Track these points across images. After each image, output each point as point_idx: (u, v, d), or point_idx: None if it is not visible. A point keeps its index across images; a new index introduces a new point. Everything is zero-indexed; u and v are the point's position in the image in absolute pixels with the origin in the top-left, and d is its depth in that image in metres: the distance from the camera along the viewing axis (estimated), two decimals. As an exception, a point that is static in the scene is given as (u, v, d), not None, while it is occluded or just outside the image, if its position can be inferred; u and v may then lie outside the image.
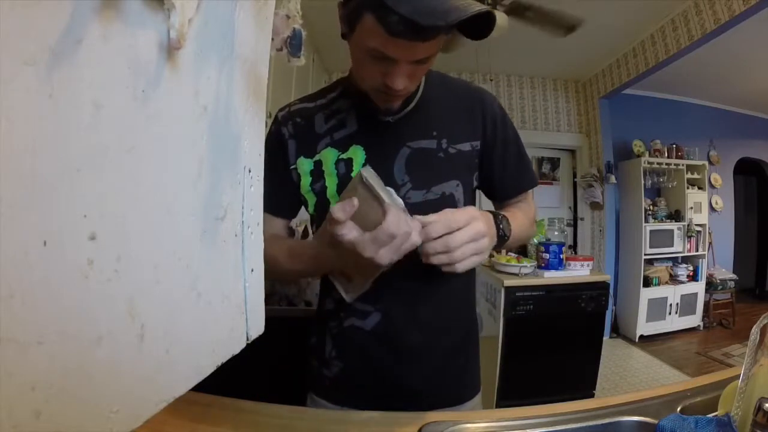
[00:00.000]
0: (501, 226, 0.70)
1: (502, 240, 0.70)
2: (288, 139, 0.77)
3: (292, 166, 0.76)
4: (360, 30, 0.60)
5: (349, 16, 0.61)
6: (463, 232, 0.59)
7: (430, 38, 0.57)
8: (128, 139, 0.28)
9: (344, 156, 0.74)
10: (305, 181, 0.76)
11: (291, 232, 0.92)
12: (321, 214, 0.75)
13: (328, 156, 0.74)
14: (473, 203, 0.81)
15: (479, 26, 0.57)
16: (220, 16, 0.38)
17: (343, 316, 0.77)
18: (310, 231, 0.82)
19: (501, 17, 2.45)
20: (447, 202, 0.74)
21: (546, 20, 2.36)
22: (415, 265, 0.72)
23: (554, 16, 2.31)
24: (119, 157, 0.28)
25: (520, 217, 0.80)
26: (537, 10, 2.32)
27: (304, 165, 0.75)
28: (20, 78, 0.21)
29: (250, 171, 0.44)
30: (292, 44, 0.58)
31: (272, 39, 0.50)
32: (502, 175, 0.81)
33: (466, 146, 0.76)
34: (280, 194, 0.78)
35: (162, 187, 0.32)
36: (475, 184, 0.81)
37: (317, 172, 0.75)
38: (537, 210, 0.89)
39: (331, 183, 0.74)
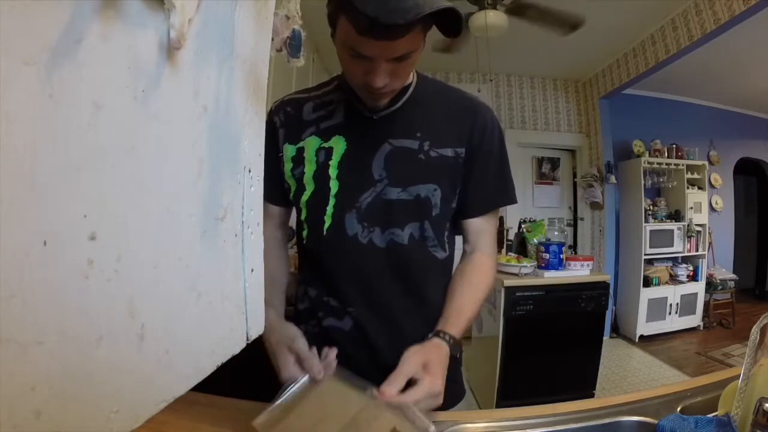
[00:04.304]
0: (452, 354, 0.68)
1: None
2: (279, 128, 0.79)
3: (280, 154, 0.78)
4: (339, 30, 0.62)
5: (330, 18, 0.64)
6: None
7: (398, 36, 0.57)
8: (128, 139, 0.28)
9: (326, 145, 0.75)
10: (287, 167, 0.78)
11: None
12: (297, 200, 0.78)
13: (311, 143, 0.76)
14: (451, 214, 0.79)
15: (450, 23, 0.59)
16: (220, 16, 0.38)
17: (321, 316, 0.79)
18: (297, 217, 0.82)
19: (500, 17, 2.45)
20: (422, 205, 0.74)
21: (547, 18, 2.37)
22: (389, 279, 0.74)
23: (555, 14, 2.32)
24: (119, 157, 0.28)
25: (478, 297, 0.77)
26: (537, 9, 2.33)
27: (288, 151, 0.77)
28: (20, 78, 0.21)
29: (250, 171, 0.44)
30: (292, 45, 0.59)
31: (272, 39, 0.50)
32: (476, 187, 0.78)
33: (448, 151, 0.76)
34: (275, 182, 0.79)
35: (162, 187, 0.32)
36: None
37: (298, 158, 0.77)
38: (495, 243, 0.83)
39: (309, 169, 0.75)
